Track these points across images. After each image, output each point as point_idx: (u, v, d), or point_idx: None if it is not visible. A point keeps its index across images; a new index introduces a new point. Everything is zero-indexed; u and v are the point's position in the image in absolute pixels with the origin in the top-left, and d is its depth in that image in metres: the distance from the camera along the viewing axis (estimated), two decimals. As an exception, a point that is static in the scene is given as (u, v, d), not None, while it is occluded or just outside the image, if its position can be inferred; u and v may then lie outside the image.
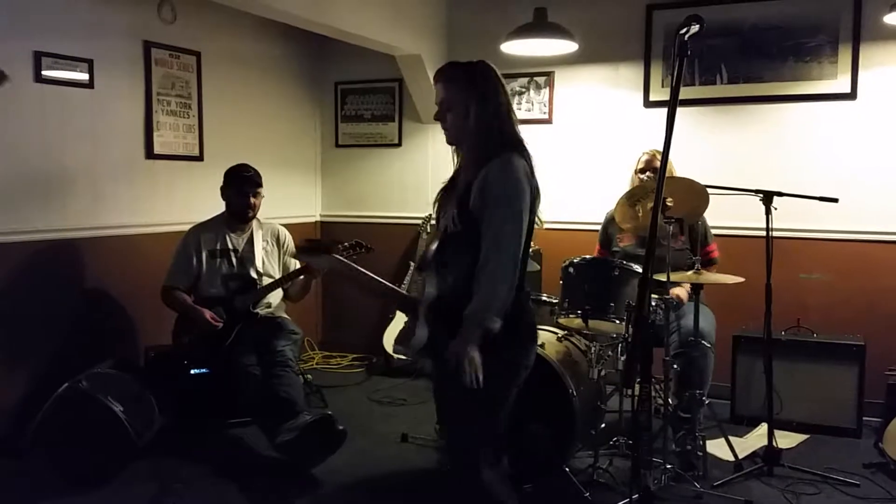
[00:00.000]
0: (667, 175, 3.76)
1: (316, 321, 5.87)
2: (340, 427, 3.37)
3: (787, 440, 3.88)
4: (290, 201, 5.54)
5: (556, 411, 3.17)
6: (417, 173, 5.55)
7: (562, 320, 3.43)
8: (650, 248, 1.83)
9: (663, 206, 3.32)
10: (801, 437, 4.01)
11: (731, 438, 3.67)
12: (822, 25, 4.36)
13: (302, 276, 3.99)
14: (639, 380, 2.23)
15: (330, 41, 5.03)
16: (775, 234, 3.50)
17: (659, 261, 3.74)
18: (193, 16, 4.60)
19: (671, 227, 3.25)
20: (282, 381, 3.64)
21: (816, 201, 3.55)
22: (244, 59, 5.10)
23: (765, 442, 3.63)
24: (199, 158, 4.72)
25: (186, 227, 4.13)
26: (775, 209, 3.46)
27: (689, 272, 3.45)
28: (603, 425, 3.50)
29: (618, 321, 3.27)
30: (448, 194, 2.41)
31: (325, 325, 5.93)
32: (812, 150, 4.44)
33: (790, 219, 4.03)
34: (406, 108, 5.54)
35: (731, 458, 3.61)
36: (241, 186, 3.98)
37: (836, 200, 3.44)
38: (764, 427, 3.99)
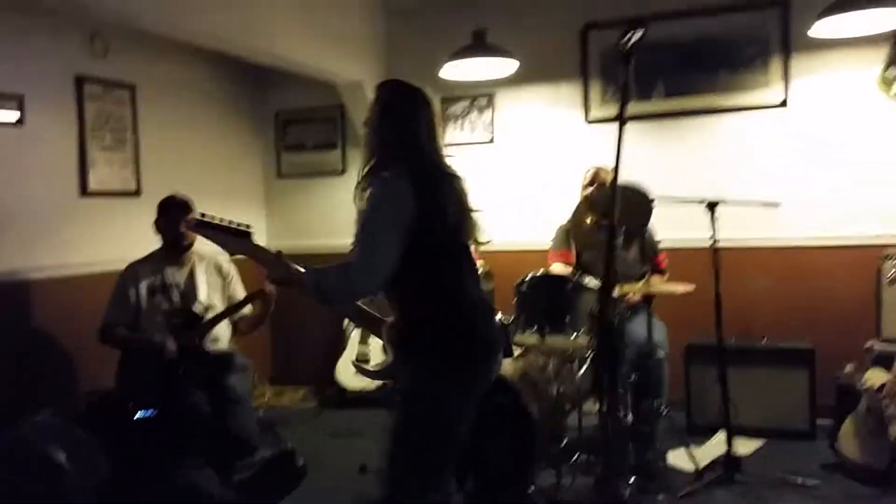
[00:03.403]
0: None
1: (265, 355, 5.73)
2: (301, 462, 3.26)
3: (745, 446, 3.90)
4: (234, 234, 5.41)
5: (515, 430, 3.13)
6: (363, 200, 5.49)
7: (517, 337, 3.40)
8: (609, 256, 1.82)
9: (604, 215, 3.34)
10: (758, 443, 4.04)
11: (690, 448, 3.68)
12: (753, 38, 4.49)
13: (251, 305, 3.88)
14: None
15: (269, 70, 4.97)
16: (721, 244, 3.55)
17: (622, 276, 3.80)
18: (126, 48, 4.50)
19: (620, 238, 3.27)
20: (234, 417, 3.52)
21: (760, 209, 3.63)
22: (181, 90, 5.00)
23: (723, 449, 3.66)
24: (136, 194, 4.58)
25: (123, 266, 3.98)
26: (716, 218, 3.52)
27: (640, 282, 3.47)
28: (564, 442, 3.46)
29: (574, 335, 3.25)
30: None
31: (274, 358, 5.79)
32: (750, 160, 4.54)
33: (734, 229, 4.07)
34: (349, 135, 5.50)
35: (692, 468, 3.61)
36: (172, 215, 3.86)
37: (777, 205, 3.51)
38: (721, 435, 4.01)
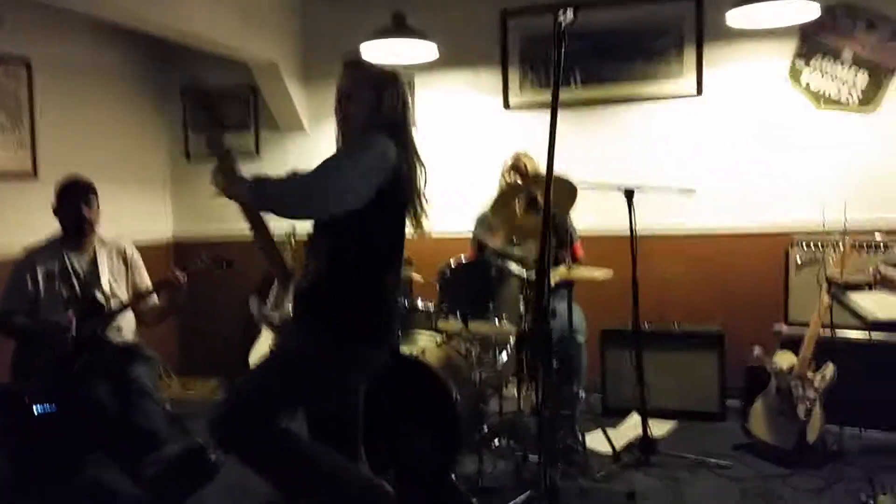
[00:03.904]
0: (533, 174, 3.85)
1: (171, 344, 5.49)
2: (212, 457, 3.12)
3: (658, 428, 3.98)
4: (138, 219, 5.16)
5: (439, 417, 3.08)
6: (278, 185, 5.33)
7: (440, 324, 3.35)
8: (544, 240, 1.78)
9: (534, 202, 3.33)
10: (671, 424, 4.13)
11: (606, 430, 3.72)
12: (668, 28, 4.56)
13: (158, 295, 3.69)
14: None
15: (175, 45, 4.73)
16: (636, 231, 3.59)
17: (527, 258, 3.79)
18: (21, 20, 4.19)
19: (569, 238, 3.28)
20: (140, 410, 3.32)
21: (675, 196, 3.69)
22: (81, 66, 4.72)
23: (638, 431, 3.73)
24: (33, 175, 4.29)
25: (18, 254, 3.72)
26: (631, 206, 3.55)
27: (561, 268, 3.47)
28: (485, 428, 3.43)
29: (497, 321, 3.22)
30: None
31: (181, 347, 5.56)
32: (665, 149, 4.62)
33: (649, 216, 4.12)
34: (263, 117, 5.31)
35: (609, 451, 3.66)
36: (71, 197, 3.62)
37: (692, 191, 3.57)
38: (635, 416, 4.10)
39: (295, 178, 2.15)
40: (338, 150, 2.30)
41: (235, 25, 4.44)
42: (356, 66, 2.41)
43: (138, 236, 4.76)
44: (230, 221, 5.25)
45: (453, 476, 3.16)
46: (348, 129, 2.34)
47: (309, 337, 2.27)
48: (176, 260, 5.46)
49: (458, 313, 3.20)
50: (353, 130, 2.32)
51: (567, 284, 3.51)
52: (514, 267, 3.29)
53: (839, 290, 3.53)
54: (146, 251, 4.12)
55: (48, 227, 3.76)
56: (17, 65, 4.17)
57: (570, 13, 1.96)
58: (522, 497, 3.04)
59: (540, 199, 3.29)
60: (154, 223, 5.39)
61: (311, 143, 5.26)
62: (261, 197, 2.15)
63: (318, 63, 5.15)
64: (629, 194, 3.55)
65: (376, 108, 2.28)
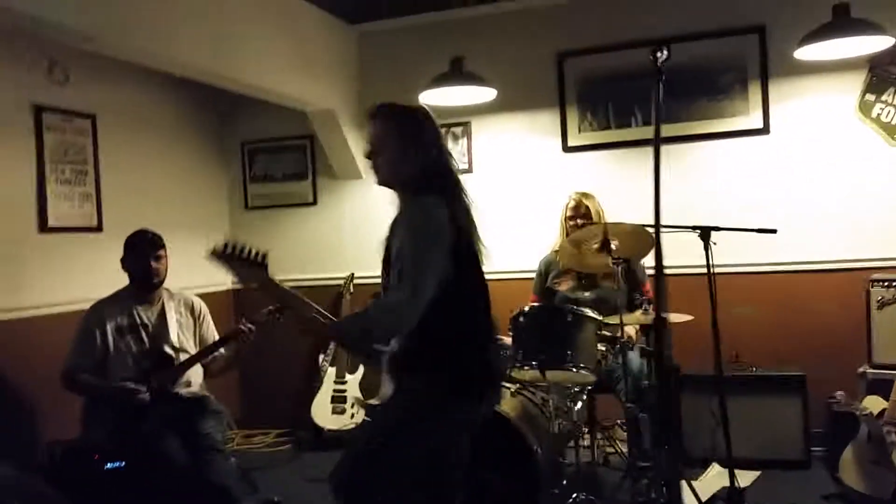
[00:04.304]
0: (596, 220, 3.78)
1: (232, 396, 5.46)
2: (284, 513, 3.04)
3: (742, 478, 3.79)
4: (199, 269, 5.13)
5: (520, 472, 2.96)
6: (334, 232, 5.33)
7: (514, 373, 3.26)
8: (658, 296, 1.70)
9: (609, 247, 3.24)
10: (754, 474, 3.93)
11: (689, 484, 3.56)
12: (731, 64, 4.47)
13: (225, 346, 3.66)
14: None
15: (235, 98, 4.79)
16: (703, 271, 3.47)
17: (601, 302, 3.70)
18: (87, 75, 4.27)
19: (619, 269, 3.16)
20: (212, 466, 3.28)
21: (746, 236, 3.55)
22: (143, 120, 4.79)
23: (722, 482, 3.56)
24: (98, 229, 4.33)
25: (87, 306, 3.72)
26: (714, 244, 3.43)
27: (639, 313, 3.36)
28: (565, 482, 3.30)
29: (574, 370, 3.12)
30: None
31: (242, 399, 5.53)
32: (733, 187, 4.50)
33: (718, 255, 4.00)
34: (320, 165, 5.33)
35: (694, 503, 3.49)
36: (141, 251, 3.63)
37: (774, 231, 3.44)
38: (717, 467, 3.93)
39: (391, 310, 2.12)
40: (408, 243, 2.14)
41: (294, 74, 4.48)
42: (381, 116, 2.30)
43: (199, 285, 4.81)
44: (292, 270, 5.35)
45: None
46: (385, 181, 2.30)
47: (411, 406, 2.17)
48: (236, 308, 5.46)
49: (534, 362, 3.10)
50: (394, 183, 2.28)
51: (646, 330, 3.38)
52: (590, 311, 3.19)
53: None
54: (208, 299, 4.12)
55: (113, 279, 3.78)
56: (82, 119, 4.24)
57: (665, 51, 1.89)
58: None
59: (612, 242, 3.21)
60: (214, 272, 5.37)
61: (367, 189, 5.24)
62: (363, 339, 2.18)
63: (374, 110, 5.16)
64: (705, 235, 3.43)
65: (409, 156, 2.22)
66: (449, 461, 2.21)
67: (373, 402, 2.55)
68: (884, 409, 3.48)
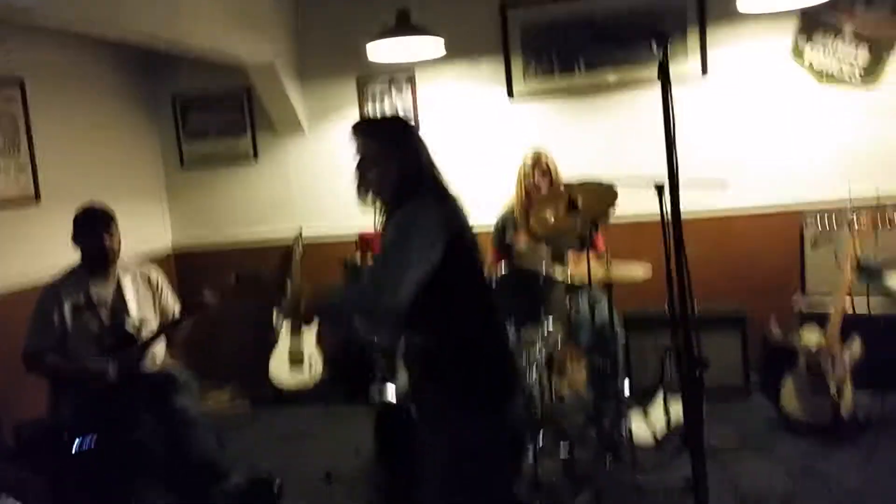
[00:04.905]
0: (554, 177, 3.86)
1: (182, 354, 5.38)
2: (278, 489, 3.09)
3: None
4: (138, 234, 5.01)
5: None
6: (279, 188, 5.24)
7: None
8: (682, 288, 1.79)
9: (575, 205, 3.33)
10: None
11: (642, 417, 3.79)
12: (669, 10, 4.56)
13: (188, 319, 3.62)
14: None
15: (161, 52, 4.55)
16: (650, 218, 3.61)
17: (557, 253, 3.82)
18: (8, 39, 3.99)
19: (588, 228, 3.28)
20: (192, 440, 3.28)
21: (695, 180, 3.70)
22: (72, 82, 4.53)
23: (670, 412, 3.81)
24: (36, 199, 4.13)
25: (31, 283, 3.62)
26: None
27: (601, 271, 3.49)
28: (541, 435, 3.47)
29: (547, 326, 3.27)
30: None
31: (192, 355, 5.45)
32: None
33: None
34: (260, 119, 5.18)
35: (649, 439, 3.75)
36: (91, 227, 3.51)
37: (721, 184, 3.60)
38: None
39: (366, 292, 2.16)
40: (390, 237, 2.19)
41: (230, 29, 4.28)
42: (361, 134, 2.33)
43: (139, 249, 4.67)
44: (229, 228, 5.24)
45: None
46: (375, 192, 2.31)
47: (448, 418, 2.20)
48: (178, 271, 5.34)
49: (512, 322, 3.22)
50: (385, 194, 2.29)
51: (607, 285, 3.53)
52: (560, 272, 3.31)
53: (873, 272, 3.63)
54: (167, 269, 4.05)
55: (55, 252, 3.67)
56: (11, 86, 3.98)
57: (664, 40, 1.95)
58: (585, 497, 3.11)
59: (579, 202, 3.30)
60: (152, 236, 5.24)
61: (310, 144, 5.16)
62: (337, 320, 2.20)
63: (316, 62, 5.04)
64: (660, 189, 3.56)
65: (394, 168, 2.25)
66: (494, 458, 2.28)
67: (387, 397, 2.63)
68: (821, 343, 3.77)
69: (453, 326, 2.17)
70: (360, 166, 2.29)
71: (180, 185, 5.39)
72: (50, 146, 4.25)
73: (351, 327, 2.31)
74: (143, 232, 5.13)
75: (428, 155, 2.30)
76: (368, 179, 2.28)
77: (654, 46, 2.02)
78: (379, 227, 2.28)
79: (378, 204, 2.31)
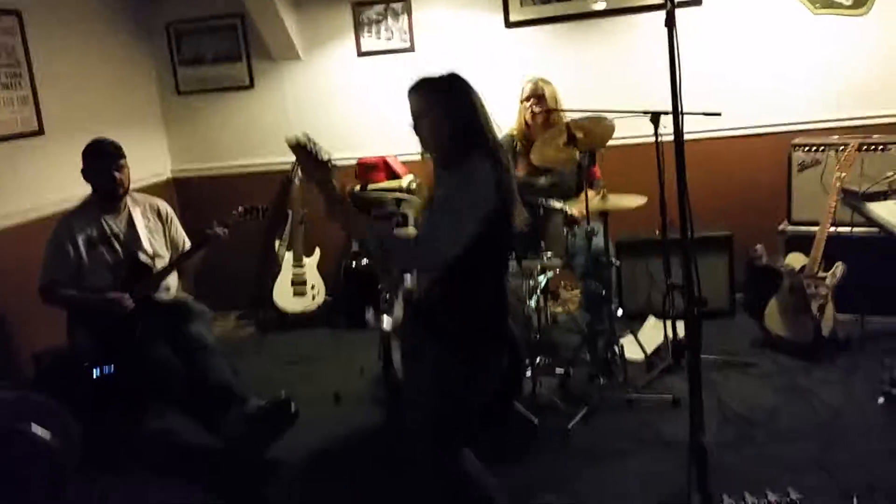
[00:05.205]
0: (552, 105, 3.93)
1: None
2: (294, 409, 3.28)
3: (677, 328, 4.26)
4: (135, 160, 5.04)
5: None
6: (275, 115, 5.27)
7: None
8: (685, 234, 1.91)
9: (574, 139, 3.43)
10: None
11: (633, 338, 3.99)
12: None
13: (200, 250, 3.74)
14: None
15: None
16: (638, 140, 3.74)
17: (557, 186, 3.95)
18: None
19: (586, 159, 3.40)
20: (209, 367, 3.44)
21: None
22: (67, 11, 4.50)
23: (658, 333, 4.07)
24: (40, 132, 4.18)
25: (41, 215, 3.75)
26: (664, 127, 3.66)
27: (592, 193, 3.62)
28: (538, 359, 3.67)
29: (546, 257, 3.41)
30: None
31: (197, 283, 5.60)
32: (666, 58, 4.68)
33: (649, 125, 4.18)
34: (255, 46, 5.17)
35: (639, 357, 3.96)
36: (101, 163, 3.58)
37: (719, 114, 3.69)
38: (652, 319, 4.41)
39: (411, 245, 2.23)
40: (443, 194, 2.26)
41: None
42: (418, 91, 2.36)
43: (136, 178, 4.71)
44: (232, 156, 5.29)
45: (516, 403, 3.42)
46: (431, 149, 2.36)
47: (442, 360, 2.31)
48: (178, 198, 5.42)
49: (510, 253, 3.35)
50: (439, 150, 2.34)
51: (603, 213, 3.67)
52: (557, 203, 3.44)
53: (856, 199, 3.77)
54: (148, 191, 4.13)
55: (60, 183, 3.79)
56: (8, 17, 3.97)
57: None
58: (581, 414, 3.34)
59: (579, 135, 3.40)
60: (151, 162, 5.29)
61: (307, 70, 5.17)
62: (384, 256, 2.26)
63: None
64: (655, 119, 3.66)
65: (447, 124, 2.29)
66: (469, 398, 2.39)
67: (384, 325, 2.82)
68: (804, 265, 3.96)
69: (464, 283, 2.26)
70: (415, 124, 2.33)
71: (177, 113, 5.41)
72: (49, 78, 4.26)
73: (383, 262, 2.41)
74: (143, 159, 5.16)
75: (483, 112, 2.32)
76: (423, 137, 2.33)
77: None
78: (432, 181, 2.36)
79: (433, 158, 2.37)
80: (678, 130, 2.31)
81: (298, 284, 5.00)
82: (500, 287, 2.37)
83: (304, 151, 2.23)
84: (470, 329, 2.29)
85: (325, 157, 2.24)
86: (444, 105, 2.29)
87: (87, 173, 3.59)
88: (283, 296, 5.01)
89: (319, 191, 2.26)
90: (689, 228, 2.24)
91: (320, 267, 5.09)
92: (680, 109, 2.15)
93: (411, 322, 2.47)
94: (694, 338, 2.41)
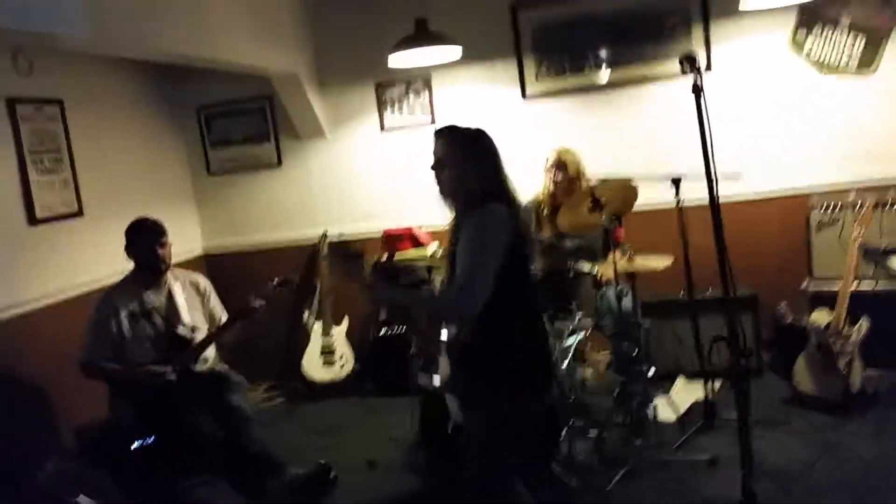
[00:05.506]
0: (574, 174, 4.07)
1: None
2: (333, 475, 3.32)
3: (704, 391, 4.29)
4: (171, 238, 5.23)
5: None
6: (301, 192, 5.45)
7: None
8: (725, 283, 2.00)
9: (600, 204, 3.55)
10: (717, 384, 4.45)
11: (665, 399, 4.02)
12: (674, 8, 4.77)
13: (238, 322, 3.83)
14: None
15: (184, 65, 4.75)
16: (660, 206, 3.85)
17: (582, 249, 4.05)
18: (48, 61, 4.20)
19: (613, 224, 3.51)
20: (249, 436, 3.51)
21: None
22: (103, 98, 4.74)
23: (691, 393, 4.08)
24: (80, 214, 4.35)
25: (80, 291, 3.84)
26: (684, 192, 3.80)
27: (618, 255, 3.71)
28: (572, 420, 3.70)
29: (578, 318, 3.50)
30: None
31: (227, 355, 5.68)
32: (682, 126, 4.82)
33: (671, 192, 4.31)
34: (283, 126, 5.39)
35: (671, 417, 3.98)
36: (145, 240, 3.72)
37: (738, 177, 3.81)
38: (682, 380, 4.43)
39: (450, 298, 2.38)
40: (466, 236, 2.38)
41: (255, 44, 4.48)
42: (445, 137, 2.56)
43: (173, 253, 4.86)
44: (262, 231, 5.44)
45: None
46: (451, 194, 2.51)
47: (489, 405, 2.43)
48: (209, 273, 5.54)
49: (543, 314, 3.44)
50: (460, 196, 2.48)
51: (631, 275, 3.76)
52: (587, 266, 3.54)
53: (878, 255, 3.85)
54: (181, 267, 4.23)
55: (96, 262, 3.94)
56: (52, 106, 4.19)
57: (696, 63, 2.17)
58: (620, 473, 3.36)
59: (604, 200, 3.53)
60: (183, 240, 5.44)
61: (331, 149, 5.37)
62: (421, 306, 2.52)
63: (335, 70, 5.25)
64: (676, 182, 3.79)
65: (470, 174, 2.46)
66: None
67: (435, 383, 2.90)
68: (829, 322, 4.01)
69: (501, 320, 2.37)
70: (436, 167, 2.50)
71: (208, 192, 5.61)
72: (88, 161, 4.45)
73: (415, 320, 2.55)
74: (176, 236, 5.29)
75: (501, 165, 2.51)
76: (443, 181, 2.49)
77: (687, 68, 2.19)
78: (450, 227, 2.49)
79: (451, 205, 2.51)
80: (713, 195, 2.42)
81: (327, 354, 5.08)
82: (538, 320, 2.49)
83: (338, 253, 2.40)
84: (520, 361, 2.39)
85: (357, 250, 2.41)
86: (472, 154, 2.47)
87: (130, 250, 3.72)
88: (313, 366, 5.08)
89: (352, 282, 2.46)
90: (730, 284, 2.27)
91: (349, 334, 5.17)
92: (714, 175, 2.25)
93: (462, 368, 2.55)
94: (742, 388, 2.44)
